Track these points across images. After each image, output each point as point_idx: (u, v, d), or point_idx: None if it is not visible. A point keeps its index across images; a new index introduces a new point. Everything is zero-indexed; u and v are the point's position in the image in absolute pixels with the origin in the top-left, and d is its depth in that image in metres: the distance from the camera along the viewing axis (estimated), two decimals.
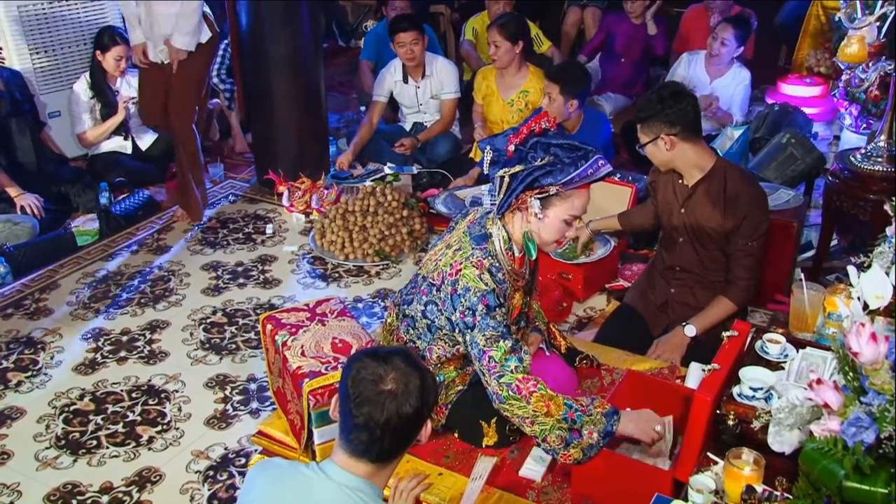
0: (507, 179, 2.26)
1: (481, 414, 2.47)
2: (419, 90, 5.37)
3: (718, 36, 5.08)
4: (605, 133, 4.53)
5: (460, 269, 2.28)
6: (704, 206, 3.05)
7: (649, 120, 2.95)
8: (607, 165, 2.24)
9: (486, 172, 2.34)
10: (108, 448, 3.15)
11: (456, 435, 2.53)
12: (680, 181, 3.12)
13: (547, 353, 2.75)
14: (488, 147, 2.29)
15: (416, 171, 5.12)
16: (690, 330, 3.08)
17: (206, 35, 4.43)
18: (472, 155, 5.24)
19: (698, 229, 3.11)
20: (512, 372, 2.22)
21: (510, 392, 2.22)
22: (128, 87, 5.13)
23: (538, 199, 2.25)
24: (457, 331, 2.32)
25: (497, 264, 2.31)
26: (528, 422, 2.23)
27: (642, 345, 3.13)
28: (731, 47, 5.09)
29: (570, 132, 4.38)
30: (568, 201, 2.27)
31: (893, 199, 2.04)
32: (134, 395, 3.47)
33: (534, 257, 2.39)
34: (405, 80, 5.34)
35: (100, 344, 3.81)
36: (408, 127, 5.56)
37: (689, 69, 5.26)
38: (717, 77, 5.19)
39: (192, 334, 3.89)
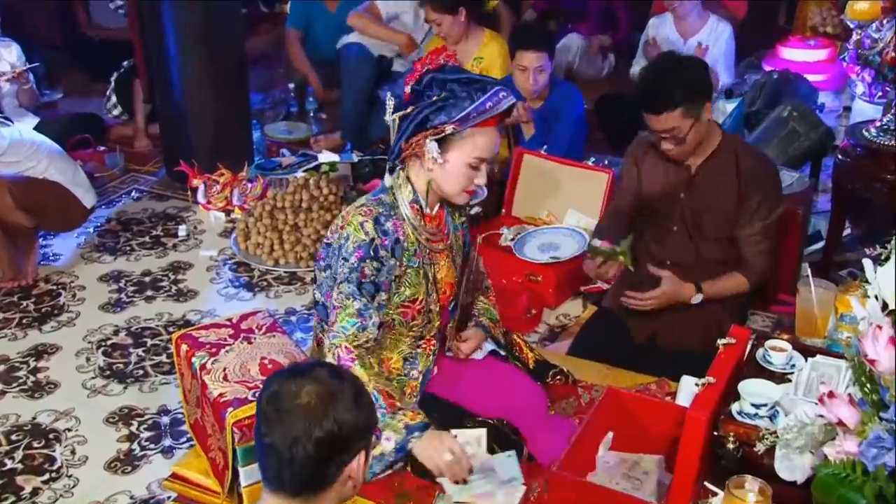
0: (396, 122, 2.38)
1: None
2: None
3: None
4: (579, 105, 4.55)
5: (348, 219, 2.44)
6: (713, 188, 3.10)
7: (689, 102, 2.93)
8: (509, 97, 2.33)
9: (386, 121, 2.45)
10: None
11: (408, 469, 2.47)
12: (676, 162, 3.13)
13: (495, 363, 2.74)
14: (389, 94, 2.44)
15: (356, 160, 5.14)
16: (698, 298, 3.12)
17: (90, 200, 4.49)
18: None
19: (699, 215, 3.15)
20: (340, 335, 2.36)
21: (331, 358, 2.36)
22: None
23: (434, 140, 2.34)
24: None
25: (389, 213, 2.42)
26: None
27: (624, 356, 3.13)
28: None
29: (536, 105, 4.44)
30: (469, 141, 2.36)
31: None
32: (14, 437, 3.39)
33: (427, 210, 2.48)
34: None
35: None
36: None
37: (659, 33, 5.27)
38: (691, 35, 5.17)
39: (88, 360, 3.84)
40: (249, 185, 4.99)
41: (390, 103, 2.40)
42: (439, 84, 2.35)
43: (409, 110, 2.37)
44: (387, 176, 2.54)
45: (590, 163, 4.30)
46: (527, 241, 4.17)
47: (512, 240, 4.18)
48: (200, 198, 5.04)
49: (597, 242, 3.12)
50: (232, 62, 5.11)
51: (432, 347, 2.60)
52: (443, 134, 2.34)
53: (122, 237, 4.81)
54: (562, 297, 4.06)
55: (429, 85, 2.36)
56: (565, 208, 4.30)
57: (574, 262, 3.98)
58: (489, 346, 2.76)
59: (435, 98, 2.34)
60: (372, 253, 2.38)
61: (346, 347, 2.36)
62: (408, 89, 2.39)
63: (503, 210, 4.51)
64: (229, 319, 2.75)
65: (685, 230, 3.20)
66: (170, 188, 5.30)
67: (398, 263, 2.44)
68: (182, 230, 4.84)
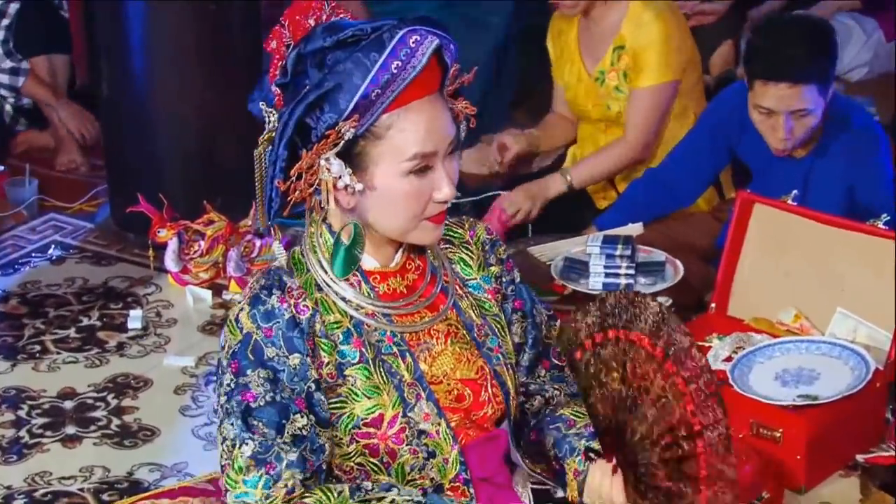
0: (260, 155, 2.54)
1: None
2: None
3: None
4: (883, 145, 4.55)
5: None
6: None
7: None
8: (429, 37, 2.37)
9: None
10: None
11: None
12: None
13: None
14: (263, 106, 2.54)
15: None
16: None
17: None
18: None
19: None
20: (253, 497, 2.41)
21: None
22: None
23: (336, 157, 2.41)
24: None
25: (278, 281, 2.49)
26: None
27: None
28: None
29: (796, 155, 4.57)
30: (392, 136, 2.40)
31: None
32: None
33: (374, 264, 2.56)
34: None
35: None
36: None
37: None
38: None
39: None
40: (258, 241, 5.09)
41: (269, 120, 2.52)
42: (314, 59, 2.41)
43: (270, 127, 2.50)
44: (275, 245, 2.64)
45: (880, 224, 4.27)
46: (755, 362, 4.16)
47: (728, 359, 4.18)
48: (170, 263, 5.09)
49: None
50: (233, 23, 5.21)
51: (469, 495, 2.61)
52: (340, 144, 2.39)
53: (27, 328, 4.85)
54: (821, 472, 3.99)
55: (299, 69, 2.43)
56: (830, 306, 4.27)
57: (845, 407, 3.96)
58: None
59: (308, 88, 2.40)
60: (251, 357, 2.43)
61: None
62: (275, 88, 2.48)
63: (712, 304, 4.50)
64: (212, 481, 2.94)
65: None
66: (117, 243, 5.42)
67: (309, 359, 2.48)
68: (135, 319, 4.90)
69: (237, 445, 2.42)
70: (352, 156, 2.41)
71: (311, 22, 2.47)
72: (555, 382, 2.81)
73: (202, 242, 5.05)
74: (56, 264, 5.26)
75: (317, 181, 2.43)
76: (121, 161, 5.39)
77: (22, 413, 4.39)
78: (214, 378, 2.62)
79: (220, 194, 5.15)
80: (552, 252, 4.81)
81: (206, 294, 5.02)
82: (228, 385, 2.44)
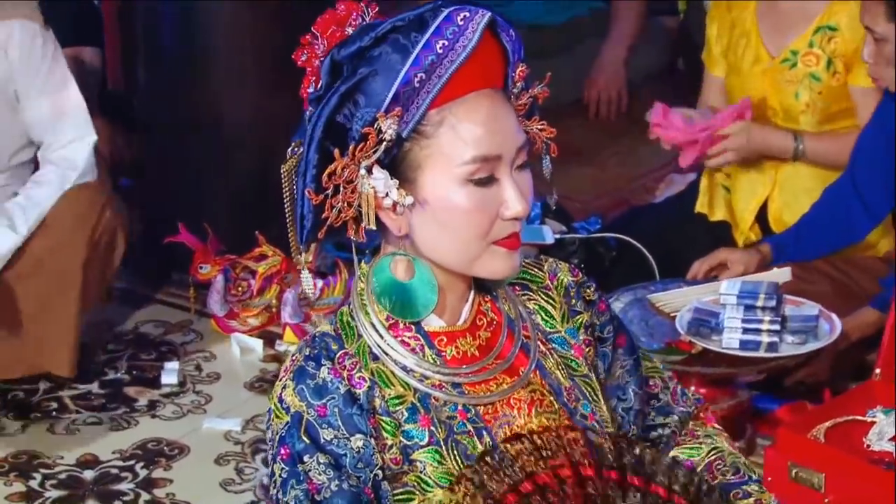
0: (288, 165, 2.43)
1: None
2: None
3: None
4: None
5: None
6: None
7: None
8: (479, 12, 2.30)
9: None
10: None
11: None
12: None
13: None
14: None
15: (551, 238, 5.20)
16: None
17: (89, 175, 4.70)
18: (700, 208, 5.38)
19: None
20: None
21: None
22: None
23: (381, 171, 2.31)
24: None
25: (327, 347, 2.40)
26: None
27: None
28: None
29: None
30: (442, 137, 2.29)
31: None
32: None
33: (439, 322, 2.44)
34: None
35: None
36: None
37: None
38: None
39: None
40: (319, 281, 5.00)
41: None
42: (350, 61, 2.31)
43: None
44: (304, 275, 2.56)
45: None
46: None
47: (895, 439, 4.04)
48: (214, 305, 5.07)
49: None
50: (298, 19, 4.98)
51: None
52: (381, 146, 2.27)
53: (41, 381, 4.77)
54: None
55: (333, 75, 2.33)
56: None
57: None
58: None
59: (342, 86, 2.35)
60: (306, 439, 2.33)
61: None
62: (310, 107, 2.42)
63: (876, 370, 4.33)
64: None
65: None
66: (150, 280, 5.41)
67: (373, 441, 2.36)
68: (171, 373, 4.86)
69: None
70: (397, 165, 2.30)
71: (349, 31, 2.35)
72: (660, 416, 2.74)
73: (252, 281, 5.07)
74: None
75: (357, 200, 2.30)
76: (158, 183, 5.35)
77: (34, 483, 4.34)
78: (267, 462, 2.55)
79: (274, 224, 4.79)
80: (678, 301, 4.60)
81: (256, 344, 4.96)
82: (281, 476, 2.35)
